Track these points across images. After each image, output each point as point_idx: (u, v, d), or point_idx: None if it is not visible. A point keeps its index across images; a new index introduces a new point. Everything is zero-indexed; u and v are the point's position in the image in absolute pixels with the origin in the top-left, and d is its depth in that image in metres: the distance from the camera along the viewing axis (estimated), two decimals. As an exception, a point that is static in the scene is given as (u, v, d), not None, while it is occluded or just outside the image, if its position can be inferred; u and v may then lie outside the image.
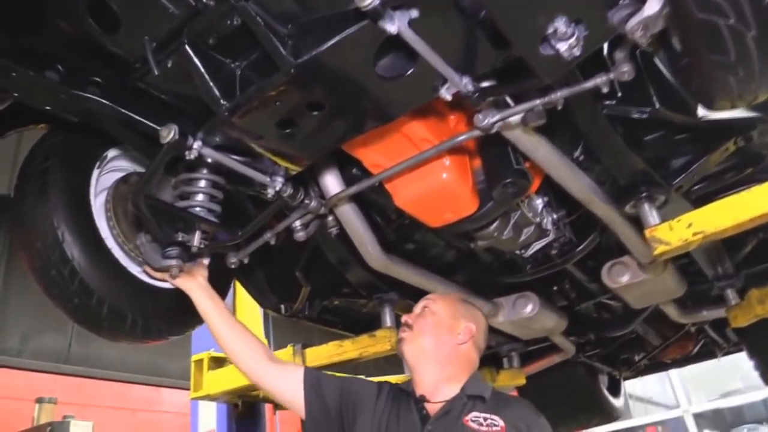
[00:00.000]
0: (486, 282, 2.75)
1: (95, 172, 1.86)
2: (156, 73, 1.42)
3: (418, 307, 1.99)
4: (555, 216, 2.43)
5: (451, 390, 1.83)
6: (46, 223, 1.68)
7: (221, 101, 1.38)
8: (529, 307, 2.84)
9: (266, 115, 1.42)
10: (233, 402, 3.32)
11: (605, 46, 1.55)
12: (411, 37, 1.27)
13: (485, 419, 1.74)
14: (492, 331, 3.14)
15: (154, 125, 1.59)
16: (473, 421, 1.74)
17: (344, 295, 2.65)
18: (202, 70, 1.36)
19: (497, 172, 1.90)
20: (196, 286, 1.87)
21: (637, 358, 4.35)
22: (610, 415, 4.58)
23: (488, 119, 1.58)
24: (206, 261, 1.95)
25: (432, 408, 1.81)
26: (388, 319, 2.54)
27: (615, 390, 4.71)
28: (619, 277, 2.59)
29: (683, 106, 1.70)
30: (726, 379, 9.65)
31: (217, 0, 1.30)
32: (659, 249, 1.87)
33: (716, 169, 2.16)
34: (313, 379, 1.87)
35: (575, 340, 3.56)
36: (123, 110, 1.58)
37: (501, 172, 1.88)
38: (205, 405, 3.86)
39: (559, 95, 1.50)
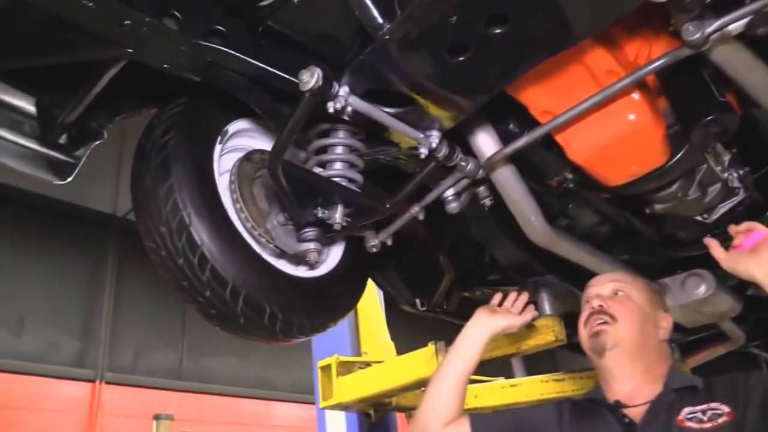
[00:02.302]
0: (650, 259, 2.35)
1: (217, 149, 1.62)
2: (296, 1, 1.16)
3: (605, 289, 1.60)
4: (741, 172, 2.02)
5: (653, 389, 1.48)
6: (170, 203, 1.45)
7: (380, 21, 1.10)
8: (703, 288, 2.40)
9: (436, 37, 1.12)
10: (366, 411, 3.04)
11: None
12: None
13: (704, 412, 1.39)
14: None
15: (289, 77, 1.33)
16: (690, 419, 1.39)
17: (490, 283, 2.31)
18: (357, -16, 1.08)
19: (695, 108, 1.53)
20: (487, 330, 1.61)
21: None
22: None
23: (703, 29, 1.23)
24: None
25: (635, 413, 1.46)
26: (547, 306, 2.17)
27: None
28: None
29: None
30: None
31: None
32: None
33: None
34: (484, 426, 1.54)
35: (746, 328, 3.07)
36: (252, 61, 1.33)
37: (701, 108, 1.51)
38: (333, 415, 3.59)
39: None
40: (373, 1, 1.10)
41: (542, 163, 1.74)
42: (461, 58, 1.17)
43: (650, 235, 2.30)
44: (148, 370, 6.73)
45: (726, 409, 1.37)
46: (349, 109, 1.30)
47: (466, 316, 2.59)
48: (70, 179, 1.65)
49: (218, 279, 1.47)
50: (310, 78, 1.22)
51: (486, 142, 1.62)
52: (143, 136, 1.59)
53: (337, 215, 1.53)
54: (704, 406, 1.39)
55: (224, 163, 1.71)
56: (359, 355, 3.41)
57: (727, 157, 1.96)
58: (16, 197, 5.12)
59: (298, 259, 1.67)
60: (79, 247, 6.82)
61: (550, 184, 1.89)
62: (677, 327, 2.94)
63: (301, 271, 1.70)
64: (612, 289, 1.59)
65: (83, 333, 6.64)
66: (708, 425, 1.36)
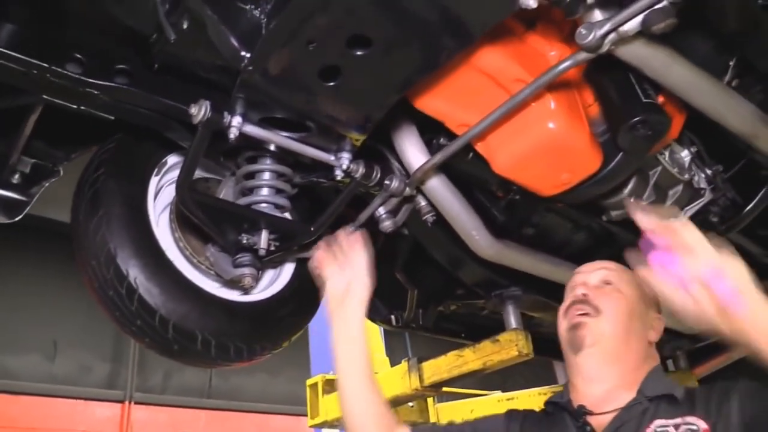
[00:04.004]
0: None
1: (153, 180, 1.67)
2: (173, 38, 1.19)
3: (593, 277, 1.43)
4: (709, 171, 1.93)
5: (625, 395, 1.29)
6: (98, 238, 1.50)
7: (242, 53, 1.11)
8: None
9: (301, 64, 1.13)
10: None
11: None
12: None
13: (678, 426, 1.19)
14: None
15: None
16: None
17: (460, 296, 2.28)
18: (215, 17, 1.10)
19: (620, 111, 1.47)
20: (352, 320, 1.41)
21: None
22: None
23: (595, 32, 1.19)
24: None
25: (599, 422, 1.28)
26: (512, 320, 2.11)
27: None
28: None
29: None
30: None
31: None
32: None
33: None
34: None
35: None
36: (156, 96, 1.37)
37: (626, 110, 1.45)
38: (330, 433, 3.61)
39: (689, -25, 1.08)
40: (234, 34, 1.12)
41: (479, 175, 1.71)
42: (333, 82, 1.17)
43: (629, 239, 2.22)
44: (177, 390, 6.93)
45: (703, 425, 1.17)
46: (248, 135, 1.33)
47: (447, 331, 2.59)
48: (19, 218, 1.73)
49: (146, 308, 1.51)
50: (198, 111, 1.25)
51: (414, 155, 1.60)
52: (82, 172, 1.66)
53: (262, 241, 1.55)
54: (679, 420, 1.20)
55: (167, 193, 1.75)
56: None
57: (687, 157, 1.88)
58: (45, 226, 5.38)
59: (236, 284, 1.69)
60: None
61: (497, 195, 1.86)
62: (678, 334, 2.83)
63: (242, 296, 1.72)
64: (600, 278, 1.42)
65: (114, 355, 6.89)
66: None
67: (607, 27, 1.18)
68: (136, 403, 6.67)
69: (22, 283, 6.52)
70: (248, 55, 1.11)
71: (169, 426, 6.25)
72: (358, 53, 1.11)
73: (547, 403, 1.41)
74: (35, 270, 6.46)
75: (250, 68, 1.12)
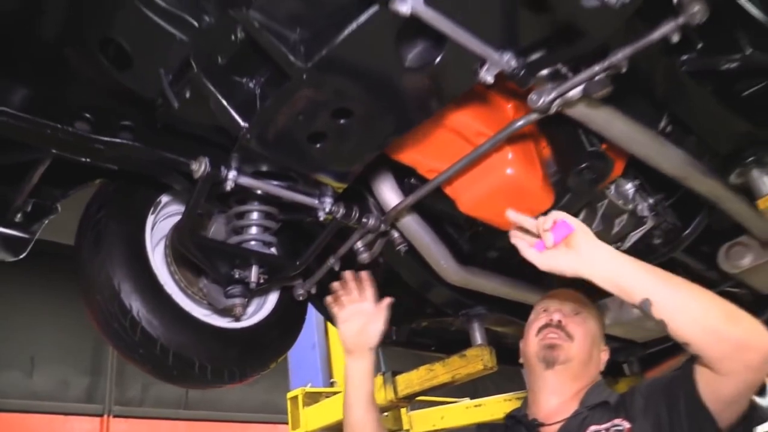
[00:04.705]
0: (583, 283, 2.48)
1: (150, 219, 1.82)
2: (176, 105, 1.35)
3: (567, 307, 1.63)
4: (651, 200, 2.15)
5: (571, 407, 1.51)
6: (102, 275, 1.65)
7: (240, 123, 1.28)
8: (639, 306, 2.53)
9: (292, 131, 1.31)
10: (334, 436, 3.22)
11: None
12: (431, 16, 1.11)
13: (608, 429, 1.40)
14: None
15: (189, 161, 1.52)
16: None
17: (430, 315, 2.48)
18: (217, 93, 1.27)
19: (569, 157, 1.68)
20: (363, 360, 1.65)
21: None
22: (759, 416, 4.03)
23: (544, 98, 1.39)
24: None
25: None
26: (478, 336, 2.32)
27: (762, 389, 4.14)
28: (739, 260, 2.26)
29: (781, 46, 1.42)
30: None
31: (218, 16, 1.21)
32: (778, 222, 1.56)
33: None
34: None
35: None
36: (158, 151, 1.53)
37: (573, 158, 1.66)
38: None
39: (620, 56, 1.28)
40: (232, 106, 1.28)
41: (448, 211, 1.90)
42: (319, 145, 1.35)
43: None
44: (155, 402, 6.99)
45: (626, 425, 1.38)
46: (243, 186, 1.50)
47: (419, 345, 2.78)
48: (23, 254, 1.86)
49: (148, 338, 1.66)
50: (199, 167, 1.42)
51: (389, 196, 1.78)
52: (84, 211, 1.81)
53: (252, 275, 1.72)
54: (608, 424, 1.41)
55: (161, 229, 1.90)
56: (330, 383, 3.60)
57: (631, 190, 2.10)
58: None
59: (227, 313, 1.85)
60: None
61: (463, 228, 2.06)
62: (632, 341, 3.07)
63: (232, 323, 1.88)
64: (573, 309, 1.64)
65: (92, 369, 6.94)
66: None
67: (554, 94, 1.38)
68: (114, 416, 6.73)
69: (-1, 301, 6.55)
70: (245, 125, 1.28)
71: (148, 438, 6.34)
72: (341, 122, 1.30)
73: (507, 417, 1.63)
74: (11, 287, 6.47)
75: (248, 136, 1.29)
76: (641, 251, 2.26)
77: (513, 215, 1.39)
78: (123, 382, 7.01)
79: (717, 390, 1.28)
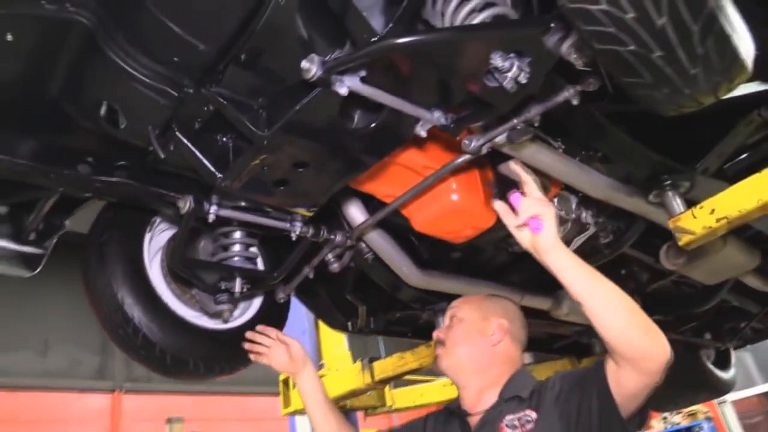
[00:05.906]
0: (543, 277, 2.75)
1: (147, 237, 2.09)
2: (162, 156, 1.60)
3: (446, 319, 1.90)
4: (594, 209, 2.41)
5: (492, 396, 1.73)
6: (108, 290, 1.93)
7: (216, 174, 1.54)
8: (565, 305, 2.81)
9: (259, 179, 1.57)
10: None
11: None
12: (368, 92, 1.36)
13: (520, 419, 1.62)
14: (565, 322, 3.14)
15: (177, 195, 1.79)
16: (508, 426, 1.65)
17: (401, 308, 2.77)
18: (194, 150, 1.52)
19: (506, 182, 1.93)
20: (305, 376, 2.00)
21: (742, 326, 4.10)
22: (718, 388, 4.35)
23: (474, 143, 1.64)
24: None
25: (473, 421, 1.74)
26: (442, 329, 2.63)
27: (725, 362, 4.46)
28: (677, 259, 2.51)
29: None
30: None
31: (195, 89, 1.46)
32: (684, 239, 1.81)
33: (752, 141, 2.06)
34: None
35: (660, 319, 3.44)
36: (150, 187, 1.78)
37: (509, 183, 1.91)
38: (301, 418, 4.14)
39: (533, 113, 1.53)
40: (209, 160, 1.54)
41: (407, 225, 2.16)
42: (283, 188, 1.61)
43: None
44: (162, 378, 7.37)
45: (534, 415, 1.59)
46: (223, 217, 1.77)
47: (396, 333, 3.08)
48: (39, 269, 2.14)
49: (149, 343, 1.95)
50: (185, 205, 1.68)
51: (356, 215, 2.05)
52: (89, 233, 2.08)
53: (237, 286, 2.00)
54: (521, 414, 1.62)
55: (157, 242, 2.18)
56: (319, 366, 3.91)
57: (574, 201, 2.35)
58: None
59: (217, 316, 2.14)
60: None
61: (424, 238, 2.32)
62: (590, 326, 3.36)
63: (221, 325, 2.17)
64: (449, 317, 1.89)
65: (102, 349, 7.37)
66: (518, 431, 1.63)
67: (483, 140, 1.63)
68: (125, 392, 7.16)
69: (14, 286, 6.88)
70: (220, 176, 1.54)
71: (157, 412, 6.75)
72: (300, 170, 1.56)
73: (445, 407, 1.91)
74: (25, 273, 6.80)
75: (222, 184, 1.55)
76: (587, 252, 2.53)
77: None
78: (132, 361, 7.41)
79: (623, 385, 1.52)
